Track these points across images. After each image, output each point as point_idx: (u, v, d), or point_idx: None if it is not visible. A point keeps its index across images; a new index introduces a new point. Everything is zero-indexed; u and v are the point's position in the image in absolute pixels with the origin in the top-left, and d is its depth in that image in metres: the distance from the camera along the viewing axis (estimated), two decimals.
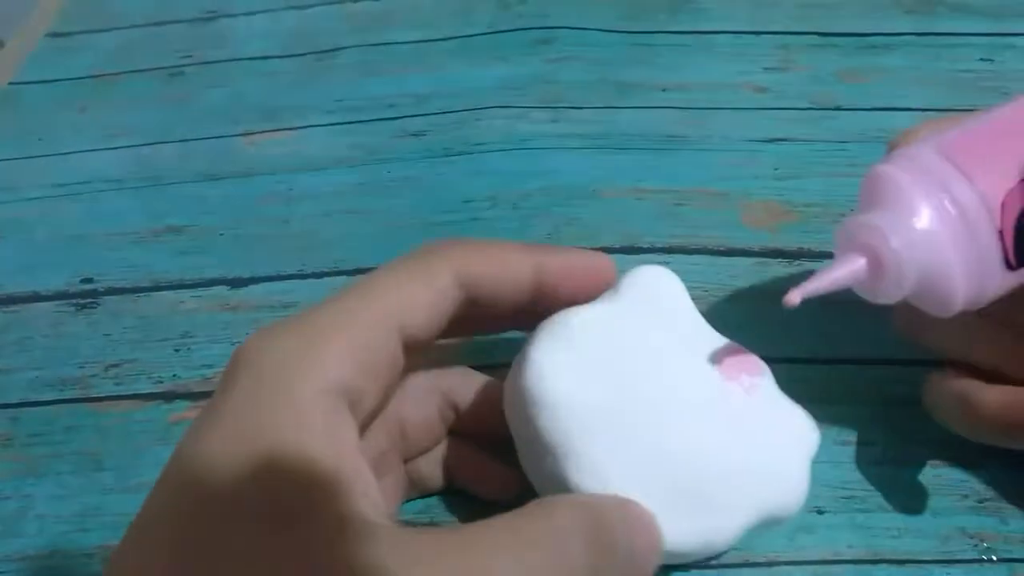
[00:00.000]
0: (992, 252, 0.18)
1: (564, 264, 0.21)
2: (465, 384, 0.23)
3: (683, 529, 0.19)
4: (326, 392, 0.17)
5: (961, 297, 0.19)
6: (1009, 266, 0.18)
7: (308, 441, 0.17)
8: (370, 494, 0.17)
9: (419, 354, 0.20)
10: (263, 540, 0.15)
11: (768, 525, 0.21)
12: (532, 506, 0.17)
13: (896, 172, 0.19)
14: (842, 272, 0.19)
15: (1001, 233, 0.18)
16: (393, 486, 0.23)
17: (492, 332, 0.24)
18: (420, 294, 0.20)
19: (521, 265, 0.21)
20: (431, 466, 0.24)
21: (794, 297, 0.19)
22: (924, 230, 0.18)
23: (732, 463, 0.20)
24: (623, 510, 0.19)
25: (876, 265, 0.19)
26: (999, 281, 0.19)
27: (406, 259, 0.21)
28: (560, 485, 0.19)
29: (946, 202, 0.18)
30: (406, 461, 0.23)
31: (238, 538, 0.16)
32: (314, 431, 0.17)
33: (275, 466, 0.16)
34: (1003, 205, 0.18)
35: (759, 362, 0.22)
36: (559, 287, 0.21)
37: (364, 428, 0.20)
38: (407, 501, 0.24)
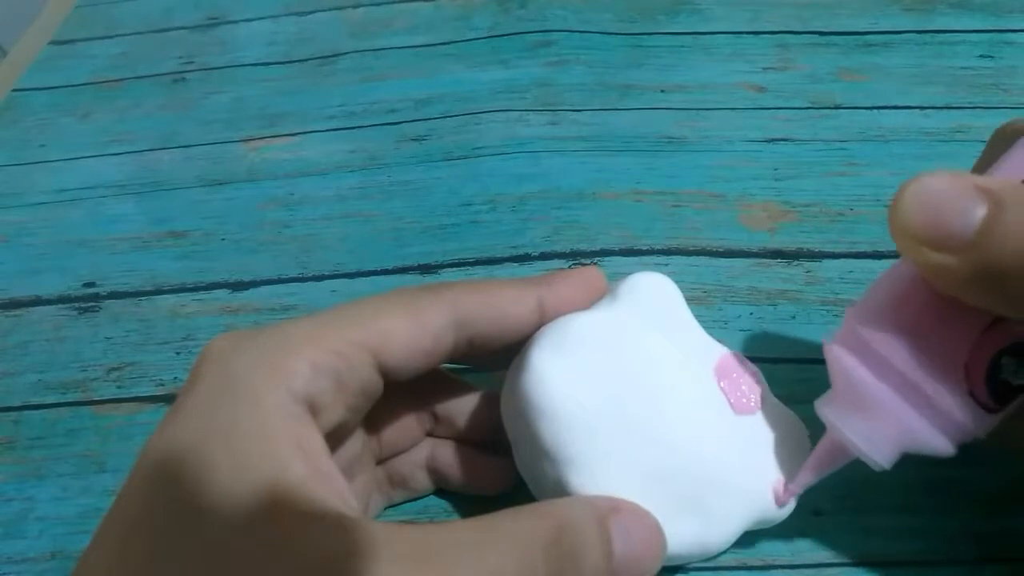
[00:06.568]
0: (963, 410, 0.18)
1: (562, 294, 0.21)
2: (439, 384, 0.23)
3: (680, 532, 0.20)
4: (291, 401, 0.18)
5: (950, 448, 0.19)
6: (989, 411, 0.18)
7: (275, 443, 0.17)
8: (342, 492, 0.17)
9: (403, 380, 0.20)
10: (239, 540, 0.16)
11: (759, 528, 0.21)
12: (501, 513, 0.17)
13: (849, 362, 0.19)
14: (817, 468, 0.20)
15: (972, 393, 0.18)
16: (366, 487, 0.23)
17: (494, 368, 0.23)
18: (402, 327, 0.19)
19: (524, 307, 0.21)
20: (411, 467, 0.24)
21: (786, 498, 0.21)
22: (885, 420, 0.19)
23: (727, 469, 0.20)
24: (617, 512, 0.19)
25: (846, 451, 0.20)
26: (987, 421, 0.19)
27: (398, 292, 0.21)
28: (560, 490, 0.20)
29: (902, 385, 0.19)
30: (383, 461, 0.24)
31: (214, 539, 0.16)
32: (280, 435, 0.17)
33: (244, 467, 0.16)
34: (967, 367, 0.18)
35: (753, 367, 0.22)
36: (559, 313, 0.21)
37: (335, 439, 0.20)
38: (397, 504, 0.24)
